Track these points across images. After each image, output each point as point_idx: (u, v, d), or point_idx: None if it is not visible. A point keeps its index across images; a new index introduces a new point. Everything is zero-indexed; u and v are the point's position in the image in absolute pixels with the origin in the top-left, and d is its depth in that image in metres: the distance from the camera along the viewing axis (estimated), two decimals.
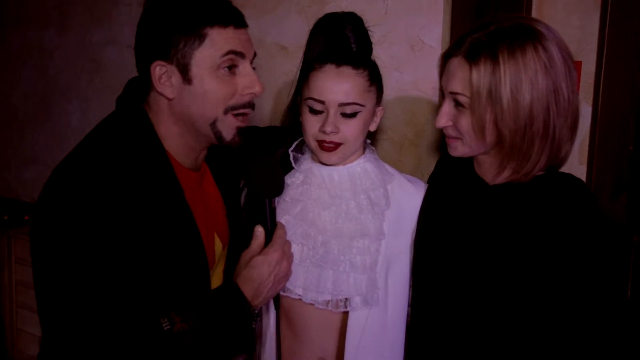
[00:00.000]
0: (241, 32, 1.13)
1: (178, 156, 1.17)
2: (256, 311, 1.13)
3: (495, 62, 1.05)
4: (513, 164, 1.11)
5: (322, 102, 1.22)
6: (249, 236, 1.19)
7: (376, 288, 1.24)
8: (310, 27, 1.86)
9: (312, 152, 1.31)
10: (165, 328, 1.01)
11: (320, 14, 1.81)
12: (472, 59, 1.07)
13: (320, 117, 1.24)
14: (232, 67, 1.12)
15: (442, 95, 1.17)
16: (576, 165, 1.55)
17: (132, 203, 1.03)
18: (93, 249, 0.99)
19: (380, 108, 1.31)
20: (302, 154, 1.36)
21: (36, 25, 2.74)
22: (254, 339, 1.14)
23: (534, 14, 1.58)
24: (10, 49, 2.87)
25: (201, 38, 1.08)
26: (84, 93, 2.60)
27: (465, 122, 1.11)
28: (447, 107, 1.14)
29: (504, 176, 1.15)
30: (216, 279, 1.27)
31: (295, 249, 1.26)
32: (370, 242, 1.25)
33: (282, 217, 1.28)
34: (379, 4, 1.73)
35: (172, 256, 1.09)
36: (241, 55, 1.13)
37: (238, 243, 1.32)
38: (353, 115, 1.23)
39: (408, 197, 1.31)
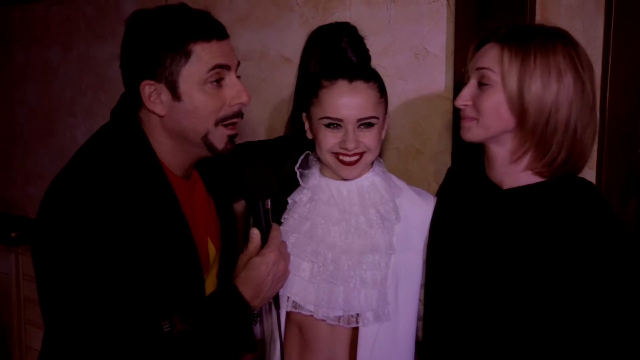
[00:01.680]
0: (224, 43, 1.15)
1: (171, 166, 1.20)
2: (255, 312, 1.16)
3: (527, 49, 1.09)
4: (532, 149, 1.12)
5: (339, 120, 1.21)
6: (245, 239, 1.21)
7: (387, 303, 1.23)
8: None
9: (328, 167, 1.30)
10: (165, 330, 1.04)
11: None
12: (506, 42, 1.11)
13: (337, 132, 1.23)
14: (219, 80, 1.14)
15: (465, 82, 1.19)
16: (585, 170, 1.53)
17: (129, 212, 1.06)
18: (93, 257, 1.02)
19: (387, 115, 1.31)
20: (308, 169, 1.35)
21: (40, 42, 2.76)
22: (254, 339, 1.15)
23: (537, 19, 1.57)
24: (15, 66, 2.89)
25: (187, 55, 1.10)
26: (88, 109, 2.61)
27: (488, 99, 1.12)
28: (471, 85, 1.16)
29: (520, 167, 1.14)
30: (210, 283, 1.29)
31: (305, 266, 1.26)
32: (380, 257, 1.24)
33: (291, 235, 1.28)
34: (382, 13, 1.73)
35: (167, 262, 1.12)
36: (227, 67, 1.14)
37: (230, 247, 1.35)
38: (370, 126, 1.23)
39: (416, 210, 1.31)
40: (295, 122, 1.37)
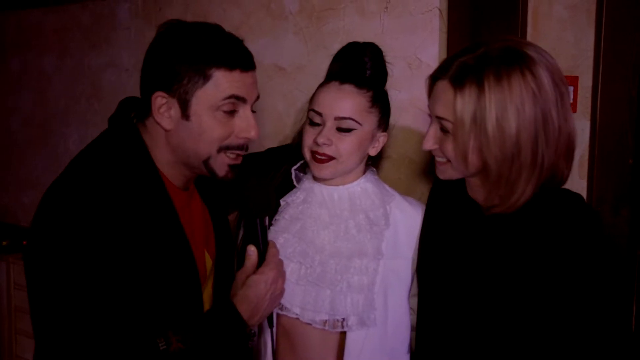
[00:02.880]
0: (247, 75, 1.14)
1: (170, 177, 1.19)
2: (253, 330, 1.14)
3: (480, 88, 1.01)
4: (500, 193, 1.08)
5: (319, 114, 1.26)
6: (241, 255, 1.20)
7: (373, 308, 1.23)
8: (308, 48, 1.89)
9: (309, 167, 1.32)
10: (161, 348, 1.02)
11: (318, 35, 1.83)
12: (458, 84, 1.04)
13: (317, 129, 1.27)
14: (232, 110, 1.13)
15: (430, 116, 1.16)
16: (576, 179, 1.55)
17: (127, 223, 1.04)
18: (88, 268, 1.00)
19: (384, 134, 1.32)
20: (305, 173, 1.37)
21: (35, 50, 2.76)
22: (251, 359, 1.14)
23: (529, 31, 1.59)
24: (9, 74, 2.89)
25: (205, 78, 1.09)
26: (82, 117, 2.61)
27: (450, 147, 1.09)
28: (433, 130, 1.13)
29: (495, 201, 1.12)
30: (207, 294, 1.28)
31: (293, 267, 1.27)
32: (368, 262, 1.25)
33: (281, 235, 1.29)
34: (376, 23, 1.74)
35: (165, 274, 1.10)
36: (243, 100, 1.13)
37: (226, 258, 1.34)
38: (348, 131, 1.25)
39: (406, 218, 1.31)
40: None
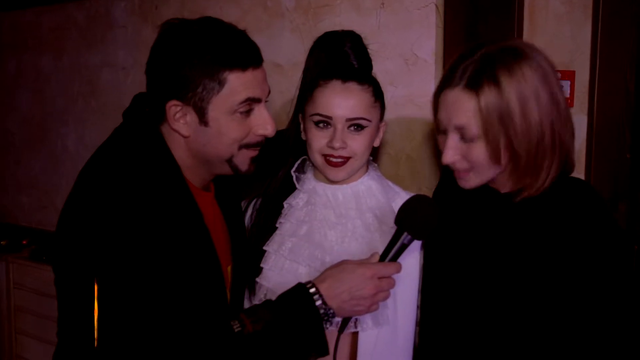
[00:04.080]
0: (258, 71, 1.13)
1: (192, 179, 1.18)
2: (331, 310, 1.08)
3: (497, 85, 1.03)
4: (527, 181, 1.10)
5: (329, 118, 1.23)
6: (255, 257, 1.17)
7: (385, 307, 1.23)
8: (305, 45, 1.88)
9: (317, 170, 1.30)
10: (236, 330, 1.02)
11: (314, 32, 1.83)
12: (475, 87, 1.04)
13: (326, 132, 1.24)
14: (248, 111, 1.13)
15: (439, 131, 1.13)
16: (574, 174, 1.55)
17: (158, 227, 1.03)
18: (139, 264, 1.00)
19: (383, 124, 1.32)
20: (304, 173, 1.35)
21: (31, 50, 2.76)
22: (325, 342, 1.08)
23: (525, 26, 1.59)
24: (6, 74, 2.89)
25: (220, 84, 1.08)
26: (80, 116, 2.61)
27: (478, 152, 1.08)
28: (453, 141, 1.10)
29: (518, 188, 1.13)
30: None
31: (302, 271, 1.25)
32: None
33: (288, 240, 1.28)
34: (372, 19, 1.74)
35: (192, 277, 1.08)
36: (257, 100, 1.14)
37: (242, 262, 1.31)
38: (360, 129, 1.24)
39: None
40: (295, 124, 1.38)
